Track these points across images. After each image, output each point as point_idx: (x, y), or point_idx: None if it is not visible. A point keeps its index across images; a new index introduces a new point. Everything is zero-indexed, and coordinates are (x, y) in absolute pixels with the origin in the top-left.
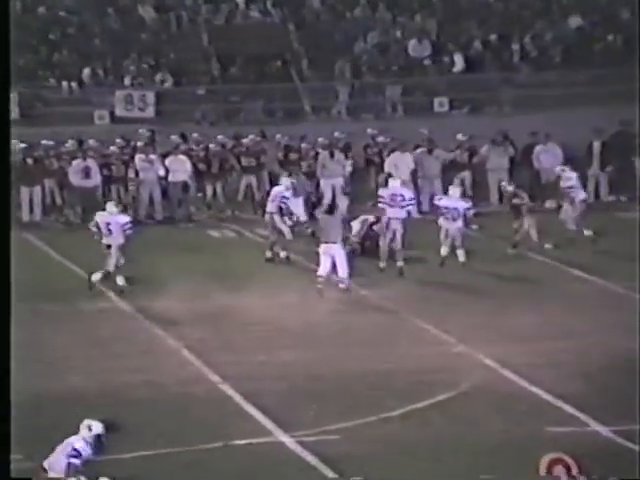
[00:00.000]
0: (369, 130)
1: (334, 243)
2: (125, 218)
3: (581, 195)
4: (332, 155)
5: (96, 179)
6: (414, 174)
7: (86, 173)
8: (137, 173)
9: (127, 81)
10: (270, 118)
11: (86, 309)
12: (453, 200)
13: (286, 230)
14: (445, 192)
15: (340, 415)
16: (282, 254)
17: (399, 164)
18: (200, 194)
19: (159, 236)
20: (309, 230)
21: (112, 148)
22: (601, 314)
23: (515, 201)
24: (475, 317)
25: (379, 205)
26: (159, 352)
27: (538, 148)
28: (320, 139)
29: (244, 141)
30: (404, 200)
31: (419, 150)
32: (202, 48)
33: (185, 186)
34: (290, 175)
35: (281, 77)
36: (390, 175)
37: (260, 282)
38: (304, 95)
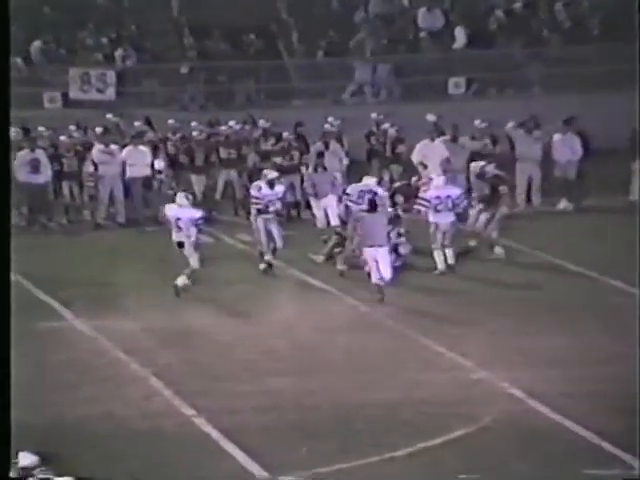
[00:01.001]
0: (374, 115)
1: (380, 247)
2: (198, 212)
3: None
4: (327, 146)
5: (46, 174)
6: (445, 164)
7: (34, 167)
8: (96, 167)
9: (83, 57)
10: (253, 101)
11: (35, 329)
12: (442, 189)
13: (263, 239)
14: (468, 191)
15: (337, 454)
16: (261, 266)
17: (429, 154)
18: (171, 191)
19: (121, 241)
20: (323, 237)
21: (62, 138)
22: None
23: (501, 188)
24: (497, 337)
25: (345, 203)
26: (122, 379)
27: (556, 137)
28: (327, 125)
29: (222, 129)
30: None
31: (442, 138)
32: (172, 19)
33: (147, 182)
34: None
35: (266, 53)
36: (424, 165)
37: (243, 296)
38: (294, 74)
